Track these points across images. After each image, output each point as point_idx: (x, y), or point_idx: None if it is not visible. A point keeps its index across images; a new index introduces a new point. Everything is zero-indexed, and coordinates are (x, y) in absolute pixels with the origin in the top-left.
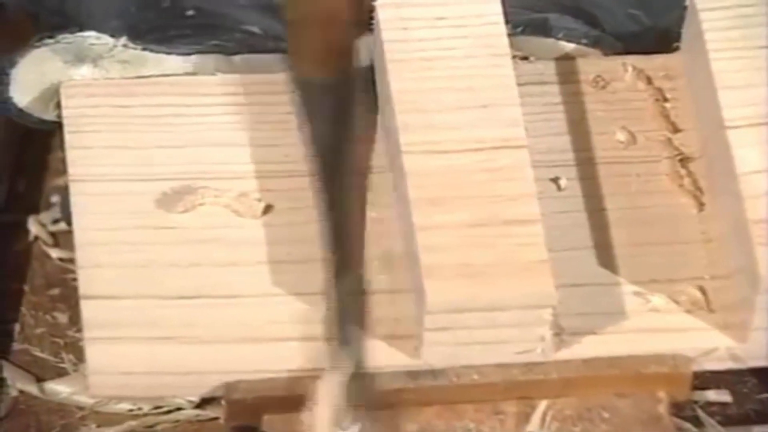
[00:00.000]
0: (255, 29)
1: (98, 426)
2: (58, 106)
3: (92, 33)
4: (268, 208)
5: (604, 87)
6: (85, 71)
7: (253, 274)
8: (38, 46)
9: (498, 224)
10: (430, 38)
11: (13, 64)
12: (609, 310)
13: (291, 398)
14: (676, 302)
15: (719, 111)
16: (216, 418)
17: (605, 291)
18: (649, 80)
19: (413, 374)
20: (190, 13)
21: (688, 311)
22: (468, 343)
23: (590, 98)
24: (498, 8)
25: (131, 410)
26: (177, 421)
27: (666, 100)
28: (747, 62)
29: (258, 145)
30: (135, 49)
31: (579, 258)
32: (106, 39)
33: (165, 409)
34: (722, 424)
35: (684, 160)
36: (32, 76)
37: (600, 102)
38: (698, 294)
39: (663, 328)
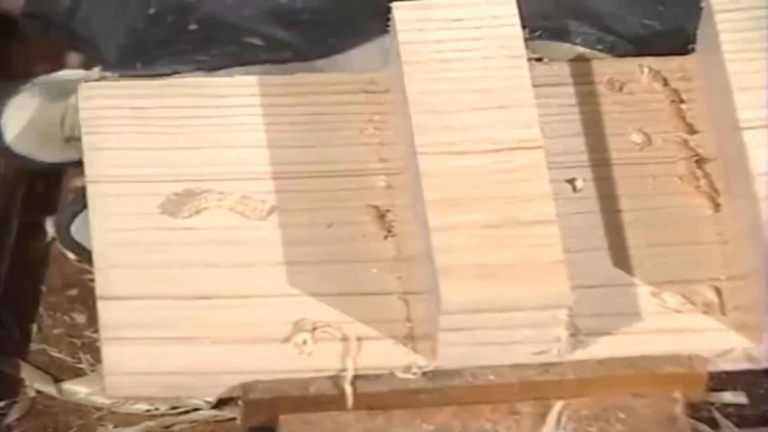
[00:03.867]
0: (256, 41)
1: (115, 426)
2: (66, 141)
3: (65, 72)
4: (272, 209)
5: (620, 88)
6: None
7: (270, 274)
8: (20, 91)
9: (514, 225)
10: (446, 39)
11: (1, 112)
12: (625, 311)
13: (307, 398)
14: (692, 303)
15: (735, 112)
16: (233, 419)
17: (621, 292)
18: (665, 81)
19: (429, 375)
20: (193, 27)
21: (704, 312)
22: (484, 343)
23: (606, 99)
24: (514, 10)
25: (148, 411)
26: (194, 421)
27: (682, 101)
28: (763, 63)
29: (274, 146)
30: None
31: (595, 259)
32: (80, 72)
33: (182, 409)
34: (738, 425)
35: (700, 162)
36: (18, 122)
37: (616, 103)
38: (714, 295)
39: (679, 329)
